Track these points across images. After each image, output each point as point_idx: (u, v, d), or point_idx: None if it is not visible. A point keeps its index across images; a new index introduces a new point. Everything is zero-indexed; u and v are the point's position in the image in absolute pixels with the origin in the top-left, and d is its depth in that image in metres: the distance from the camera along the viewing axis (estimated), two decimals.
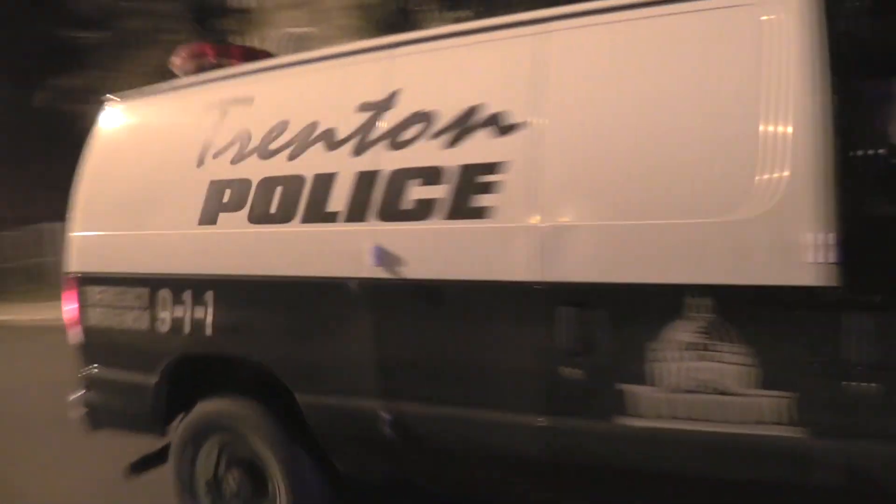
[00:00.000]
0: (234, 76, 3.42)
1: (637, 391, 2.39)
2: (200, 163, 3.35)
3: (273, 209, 3.11)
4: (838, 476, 2.14)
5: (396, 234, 2.80)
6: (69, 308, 3.76)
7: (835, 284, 2.09)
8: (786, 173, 2.16)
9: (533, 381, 2.58)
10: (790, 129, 2.17)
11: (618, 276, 2.43)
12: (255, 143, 3.19)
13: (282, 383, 3.13)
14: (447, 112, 2.74)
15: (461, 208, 2.67)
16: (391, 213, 2.83)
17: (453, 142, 2.72)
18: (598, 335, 2.44)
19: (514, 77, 2.65)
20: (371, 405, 2.89)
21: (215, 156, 3.30)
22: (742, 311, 2.22)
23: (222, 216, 3.26)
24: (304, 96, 3.16)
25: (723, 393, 2.24)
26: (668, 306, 2.32)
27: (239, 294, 3.20)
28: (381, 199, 2.85)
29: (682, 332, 2.30)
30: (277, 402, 3.18)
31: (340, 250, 2.94)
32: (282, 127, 3.12)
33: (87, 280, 3.68)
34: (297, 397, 3.07)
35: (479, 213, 2.64)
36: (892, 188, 2.13)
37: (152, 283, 3.42)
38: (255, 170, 3.17)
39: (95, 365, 3.71)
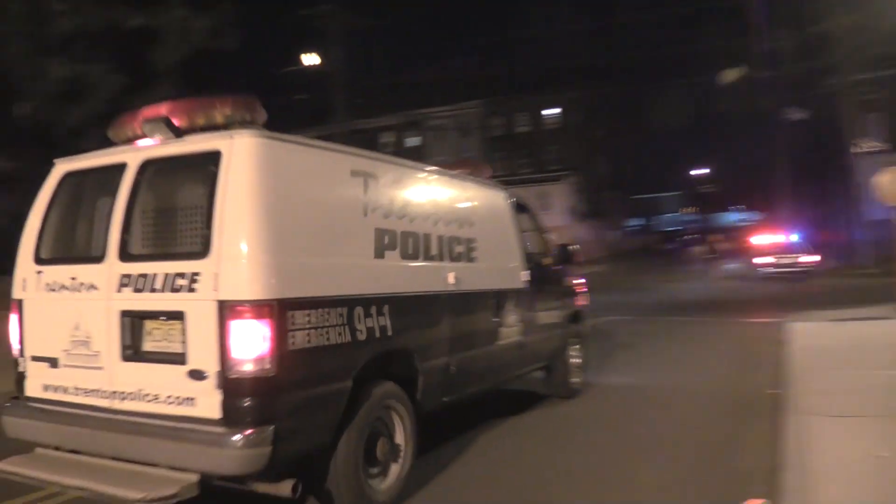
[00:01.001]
0: (357, 155, 4.76)
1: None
2: (365, 214, 4.64)
3: (411, 251, 5.06)
4: None
5: (456, 269, 5.56)
6: (257, 336, 3.71)
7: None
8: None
9: (490, 335, 6.08)
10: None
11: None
12: (393, 207, 4.92)
13: (407, 368, 4.96)
14: (452, 211, 5.76)
15: (474, 256, 5.86)
16: (451, 257, 5.59)
17: (461, 226, 5.80)
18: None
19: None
20: (447, 359, 5.43)
21: (373, 210, 4.71)
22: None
23: (387, 253, 4.79)
24: (403, 186, 5.16)
25: None
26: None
27: (401, 306, 4.81)
28: (448, 250, 5.56)
29: None
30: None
31: (439, 276, 5.39)
32: (400, 202, 5.04)
33: (292, 305, 3.86)
34: (419, 366, 5.04)
35: (472, 259, 5.89)
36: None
37: (350, 303, 4.33)
38: (398, 225, 4.94)
39: (291, 390, 3.88)
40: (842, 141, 37.43)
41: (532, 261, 7.07)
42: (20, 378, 4.53)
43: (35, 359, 4.44)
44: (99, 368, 4.17)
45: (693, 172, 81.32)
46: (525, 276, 6.83)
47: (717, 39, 59.47)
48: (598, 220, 55.68)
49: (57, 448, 4.30)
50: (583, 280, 8.62)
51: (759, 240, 33.14)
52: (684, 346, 11.92)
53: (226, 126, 4.16)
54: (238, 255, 3.71)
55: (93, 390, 4.20)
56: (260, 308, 3.68)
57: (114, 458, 4.01)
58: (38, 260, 4.52)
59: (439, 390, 5.38)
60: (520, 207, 7.22)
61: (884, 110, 39.50)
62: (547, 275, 7.50)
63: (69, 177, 4.66)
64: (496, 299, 6.21)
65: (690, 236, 60.42)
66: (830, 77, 36.06)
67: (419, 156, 60.19)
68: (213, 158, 3.88)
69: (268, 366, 3.70)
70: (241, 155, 3.84)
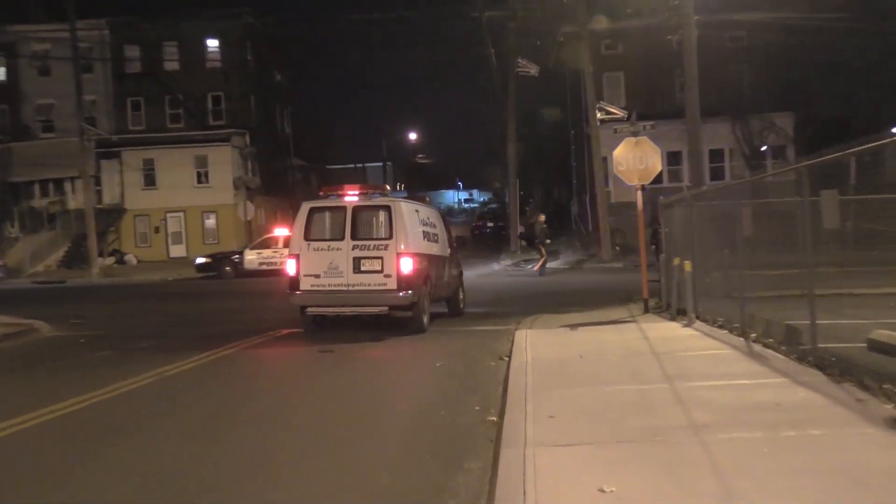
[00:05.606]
0: (416, 201, 18.74)
1: None
2: (419, 224, 17.35)
3: (429, 240, 17.79)
4: None
5: (435, 245, 18.61)
6: (407, 263, 16.08)
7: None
8: None
9: (441, 273, 19.20)
10: None
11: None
12: (424, 221, 17.98)
13: (428, 280, 17.61)
14: (431, 221, 18.78)
15: (436, 240, 18.82)
16: (433, 241, 18.49)
17: (433, 227, 18.76)
18: None
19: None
20: (434, 280, 18.04)
21: (420, 223, 17.41)
22: None
23: (426, 240, 17.51)
24: (423, 213, 18.23)
25: None
26: None
27: (429, 258, 17.72)
28: (432, 237, 18.30)
29: None
30: None
31: (433, 248, 18.46)
32: (424, 218, 18.02)
33: (413, 254, 16.69)
34: (430, 280, 17.52)
35: (436, 241, 18.76)
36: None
37: (423, 255, 17.34)
38: (425, 228, 17.77)
39: (415, 280, 16.46)
40: (583, 106, 40.76)
41: (449, 243, 19.74)
42: (295, 284, 16.10)
43: (306, 275, 16.07)
44: (342, 276, 15.94)
45: (405, 138, 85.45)
46: (448, 250, 19.39)
47: None
48: (276, 196, 55.96)
49: (316, 307, 16.51)
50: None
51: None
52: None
53: (384, 193, 17.69)
54: (401, 240, 15.94)
55: (338, 284, 15.94)
56: (407, 254, 15.91)
57: (347, 307, 16.21)
58: (307, 239, 16.26)
59: (432, 291, 17.38)
60: (443, 218, 20.22)
61: (625, 68, 43.87)
62: (454, 251, 20.15)
63: (312, 209, 16.62)
64: (442, 259, 18.63)
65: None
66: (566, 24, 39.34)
67: (10, 97, 55.16)
68: (387, 208, 16.27)
69: (410, 272, 15.84)
70: (397, 206, 16.39)
